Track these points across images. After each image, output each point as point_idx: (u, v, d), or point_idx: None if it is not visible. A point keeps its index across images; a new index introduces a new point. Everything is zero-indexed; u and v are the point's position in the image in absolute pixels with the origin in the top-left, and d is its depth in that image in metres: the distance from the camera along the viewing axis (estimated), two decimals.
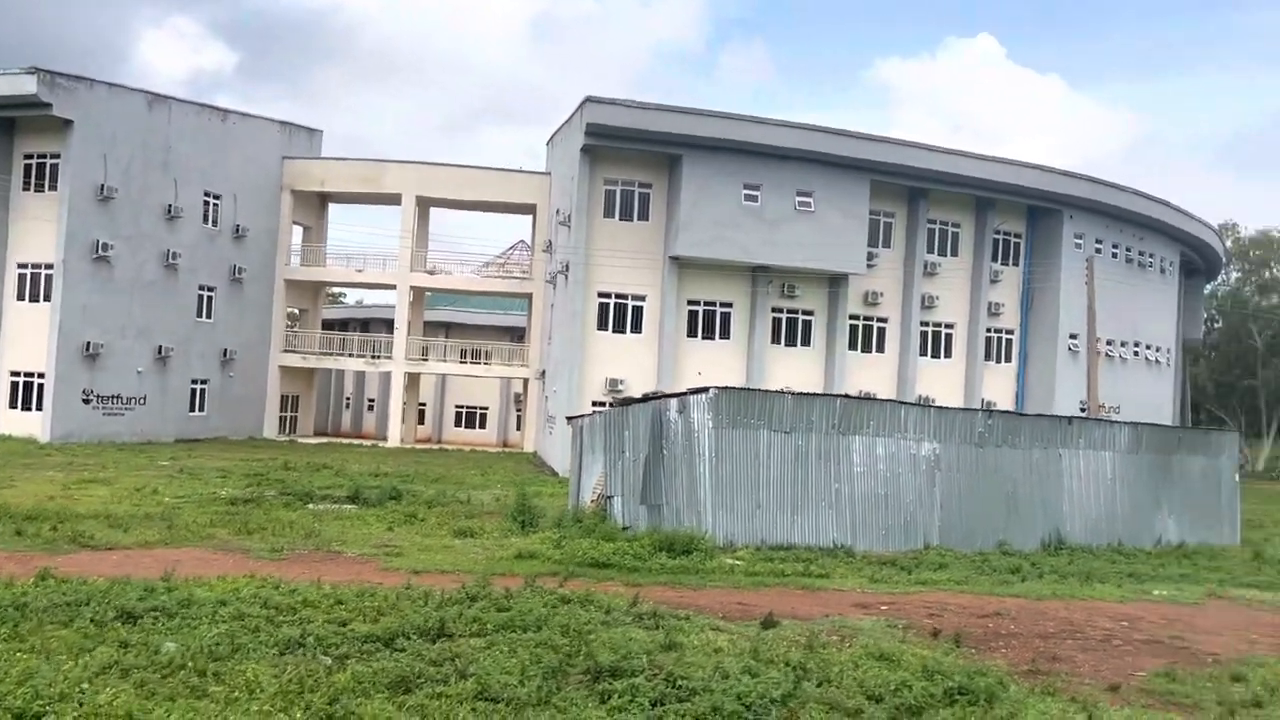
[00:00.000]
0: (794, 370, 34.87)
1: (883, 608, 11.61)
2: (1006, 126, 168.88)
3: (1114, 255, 41.09)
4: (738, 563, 14.84)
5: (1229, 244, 61.07)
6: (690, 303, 34.52)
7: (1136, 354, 42.82)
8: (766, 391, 17.58)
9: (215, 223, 38.80)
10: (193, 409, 38.28)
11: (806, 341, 36.07)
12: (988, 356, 38.71)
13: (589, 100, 32.07)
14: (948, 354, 38.22)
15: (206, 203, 38.30)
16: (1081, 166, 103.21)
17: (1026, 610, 11.67)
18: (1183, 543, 20.82)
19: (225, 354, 39.33)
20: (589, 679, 7.06)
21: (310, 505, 19.73)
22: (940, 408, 20.14)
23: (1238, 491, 22.91)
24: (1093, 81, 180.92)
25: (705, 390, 16.76)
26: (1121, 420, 24.57)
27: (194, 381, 38.34)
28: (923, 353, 37.52)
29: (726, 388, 16.87)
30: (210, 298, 38.80)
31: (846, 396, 18.66)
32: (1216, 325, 66.05)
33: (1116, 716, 7.17)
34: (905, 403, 19.46)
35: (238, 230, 39.52)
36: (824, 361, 36.02)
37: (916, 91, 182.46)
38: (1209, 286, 59.93)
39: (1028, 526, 19.16)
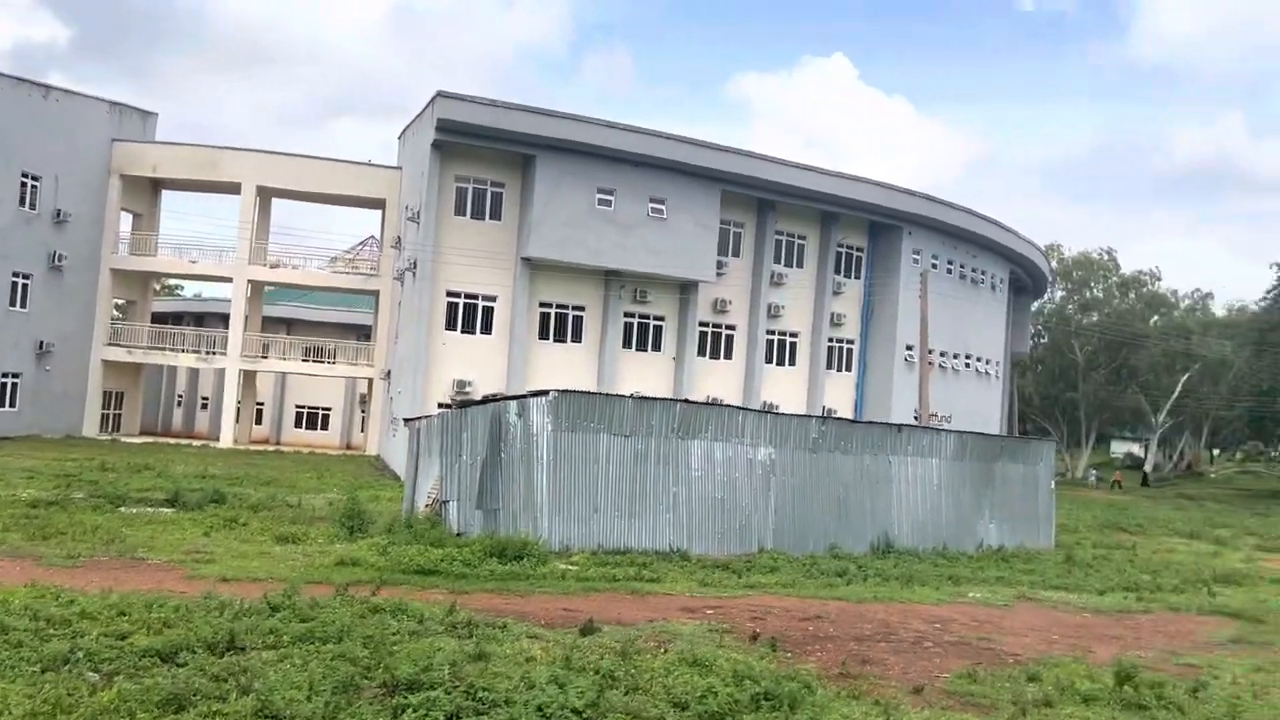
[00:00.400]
0: (645, 375, 35.01)
1: (708, 612, 11.61)
2: (857, 144, 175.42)
3: (949, 271, 42.99)
4: (571, 568, 14.64)
5: (1054, 264, 64.94)
6: (542, 305, 34.18)
7: (968, 366, 44.90)
8: (607, 395, 17.47)
9: (33, 205, 36.09)
10: (1, 404, 35.47)
11: (658, 347, 36.28)
12: (829, 365, 39.85)
13: (440, 95, 31.36)
14: (792, 362, 39.14)
15: (24, 184, 35.58)
16: (926, 186, 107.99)
17: (847, 613, 11.89)
18: (1002, 546, 21.78)
19: (41, 346, 36.62)
20: (385, 693, 6.71)
21: (122, 509, 18.45)
22: (776, 413, 20.51)
23: (1054, 497, 24.16)
24: (937, 105, 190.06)
25: (544, 393, 16.52)
26: (948, 429, 25.60)
27: (4, 375, 35.54)
28: (768, 360, 38.31)
29: (566, 391, 16.67)
30: (25, 285, 36.07)
31: (686, 401, 18.75)
32: (1042, 341, 70.09)
33: (916, 718, 7.29)
34: (743, 408, 19.73)
35: (59, 215, 36.87)
36: (674, 367, 36.30)
37: (773, 106, 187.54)
38: (1036, 304, 63.47)
39: (858, 530, 19.67)
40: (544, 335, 34.18)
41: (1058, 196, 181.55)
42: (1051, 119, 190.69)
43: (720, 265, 36.33)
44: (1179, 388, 64.39)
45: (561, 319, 34.52)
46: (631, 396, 18.15)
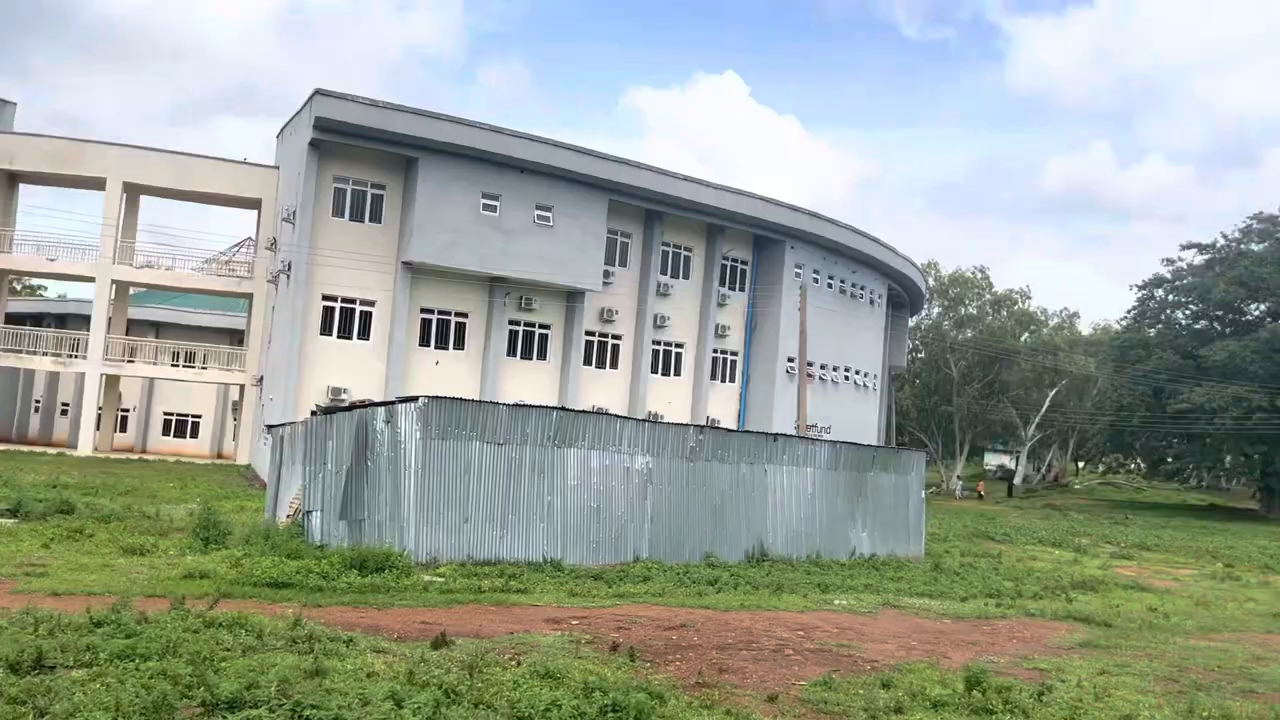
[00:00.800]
0: (530, 383, 34.64)
1: (574, 622, 11.37)
2: (748, 160, 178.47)
3: (830, 286, 43.92)
4: (437, 579, 14.20)
5: (931, 281, 67.11)
6: (424, 311, 33.49)
7: (847, 378, 45.91)
8: (479, 402, 17.07)
9: None
10: None
11: (543, 355, 35.96)
12: (714, 376, 40.19)
13: (319, 93, 30.45)
14: (677, 372, 39.32)
15: None
16: (814, 204, 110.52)
17: (713, 621, 11.81)
18: (874, 554, 22.16)
19: None
20: (203, 713, 6.25)
21: None
22: (654, 422, 20.45)
23: (924, 506, 24.72)
24: (826, 126, 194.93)
25: (414, 399, 16.04)
26: (823, 439, 26.00)
27: None
28: (654, 370, 38.39)
29: (436, 397, 16.22)
30: None
31: (563, 409, 18.47)
32: (920, 355, 72.29)
33: None
34: (621, 416, 19.58)
35: None
36: (559, 376, 36.04)
37: (666, 120, 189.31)
38: (913, 319, 65.45)
39: (734, 539, 19.73)
40: (425, 342, 33.49)
41: (937, 217, 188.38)
42: (932, 142, 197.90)
43: (607, 275, 36.26)
44: (1047, 402, 67.15)
45: (444, 325, 33.88)
46: (506, 404, 17.80)
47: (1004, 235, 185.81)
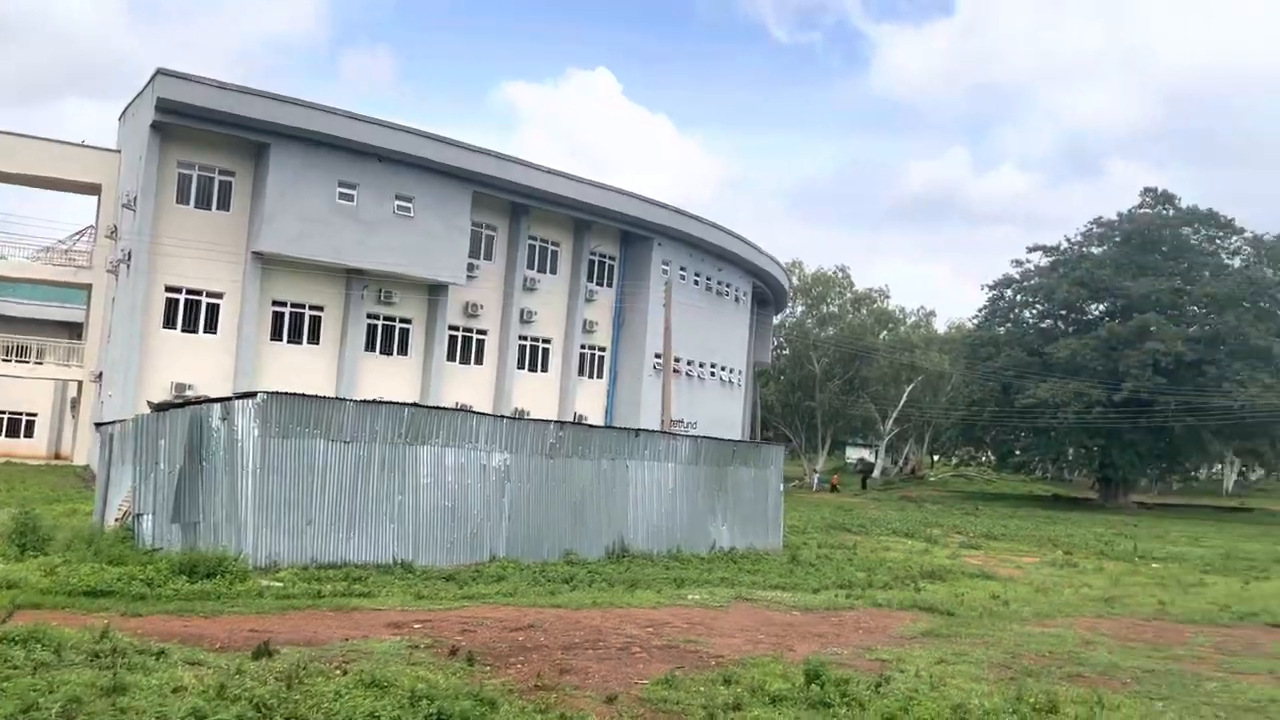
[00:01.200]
0: (390, 379, 33.67)
1: (416, 626, 10.93)
2: (620, 158, 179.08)
3: (696, 283, 44.29)
4: (275, 584, 13.48)
5: (795, 280, 68.57)
6: (276, 303, 32.11)
7: (713, 374, 46.41)
8: (325, 398, 16.33)
9: None
10: None
11: (404, 350, 35.02)
12: (581, 372, 39.97)
13: (161, 73, 28.79)
14: (544, 368, 38.93)
15: None
16: (684, 203, 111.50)
17: (562, 621, 11.55)
18: (733, 548, 22.31)
19: None
20: None
21: None
22: (512, 418, 20.10)
23: (782, 500, 25.06)
24: (697, 126, 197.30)
25: (252, 395, 15.23)
26: (684, 434, 26.09)
27: None
28: (520, 366, 37.91)
29: (276, 393, 15.43)
30: None
31: (416, 405, 17.90)
32: (784, 352, 73.81)
33: None
34: (477, 412, 19.12)
35: None
36: (421, 372, 35.17)
37: (539, 116, 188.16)
38: (778, 317, 66.76)
39: (594, 535, 19.53)
40: (277, 336, 32.13)
41: (803, 217, 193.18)
42: (800, 145, 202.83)
43: (472, 268, 35.57)
44: (904, 398, 69.52)
45: (298, 319, 32.58)
46: (354, 400, 17.13)
47: (866, 237, 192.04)
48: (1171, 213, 63.13)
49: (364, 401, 17.01)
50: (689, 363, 43.57)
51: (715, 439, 24.37)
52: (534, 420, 21.27)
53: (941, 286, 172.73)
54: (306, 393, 16.33)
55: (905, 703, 7.73)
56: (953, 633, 12.05)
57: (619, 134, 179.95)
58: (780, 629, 11.75)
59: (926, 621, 12.85)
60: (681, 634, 11.03)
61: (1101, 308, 62.98)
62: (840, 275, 72.86)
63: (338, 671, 7.93)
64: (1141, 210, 64.09)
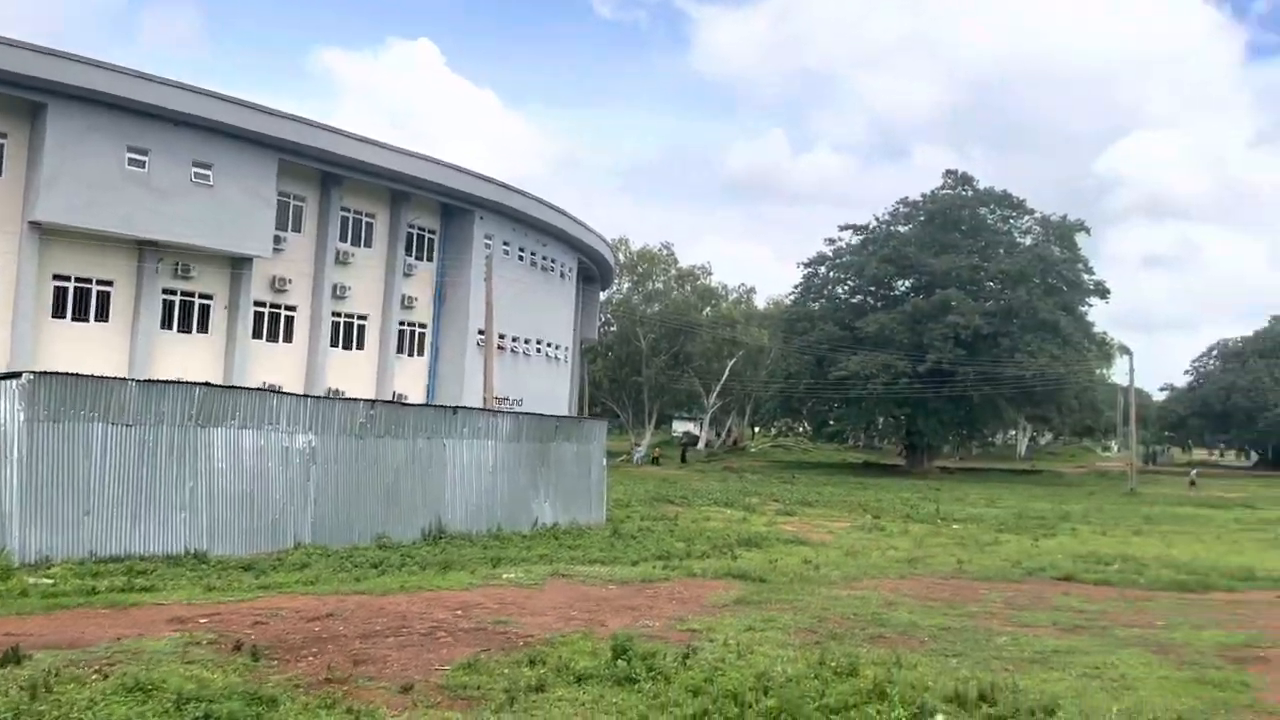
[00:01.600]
0: (190, 359, 31.54)
1: (202, 621, 10.09)
2: (443, 131, 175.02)
3: (520, 258, 43.64)
4: (45, 582, 12.24)
5: (621, 257, 68.85)
6: (57, 278, 29.43)
7: (539, 350, 45.96)
8: (102, 378, 14.98)
9: None
10: None
11: (205, 328, 32.89)
12: (400, 349, 38.73)
13: None
14: (360, 346, 37.48)
15: None
16: (510, 178, 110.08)
17: (366, 608, 10.96)
18: (556, 524, 22.10)
19: None
20: None
21: None
22: (318, 398, 19.15)
23: (605, 474, 25.00)
24: (523, 101, 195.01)
25: (15, 376, 13.78)
26: (504, 410, 25.64)
27: None
28: (334, 344, 36.33)
29: (45, 373, 14.03)
30: None
31: (208, 385, 16.72)
32: (611, 328, 74.14)
33: None
34: (279, 392, 18.07)
35: None
36: (225, 351, 33.13)
37: (358, 86, 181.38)
38: (604, 293, 66.89)
39: (409, 517, 18.87)
40: (60, 313, 29.49)
41: (629, 195, 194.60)
42: (627, 123, 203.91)
43: (278, 240, 33.72)
44: (726, 372, 71.14)
45: (83, 295, 30.00)
46: (136, 380, 15.82)
47: (691, 215, 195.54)
48: (970, 193, 66.98)
49: (148, 381, 15.74)
50: (514, 339, 42.96)
51: (537, 415, 24.02)
52: (342, 399, 20.34)
53: (762, 264, 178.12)
54: (81, 373, 14.93)
55: (711, 673, 7.65)
56: (764, 599, 12.19)
57: (442, 107, 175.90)
58: (594, 604, 11.56)
59: (739, 589, 12.96)
60: (492, 615, 10.66)
61: (908, 284, 66.19)
62: (665, 252, 73.73)
63: (97, 676, 7.14)
64: (943, 191, 67.71)
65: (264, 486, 16.43)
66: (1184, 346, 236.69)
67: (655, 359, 69.41)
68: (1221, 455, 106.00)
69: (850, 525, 27.07)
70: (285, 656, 8.49)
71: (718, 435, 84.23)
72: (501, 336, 40.74)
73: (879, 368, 58.56)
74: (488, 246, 40.22)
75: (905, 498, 39.11)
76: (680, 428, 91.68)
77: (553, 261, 46.99)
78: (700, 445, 76.77)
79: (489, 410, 23.83)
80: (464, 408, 22.25)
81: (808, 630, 10.09)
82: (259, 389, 17.77)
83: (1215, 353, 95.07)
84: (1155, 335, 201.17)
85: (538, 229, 44.50)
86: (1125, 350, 77.31)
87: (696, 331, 69.62)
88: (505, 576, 13.60)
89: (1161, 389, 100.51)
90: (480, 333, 40.03)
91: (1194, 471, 65.72)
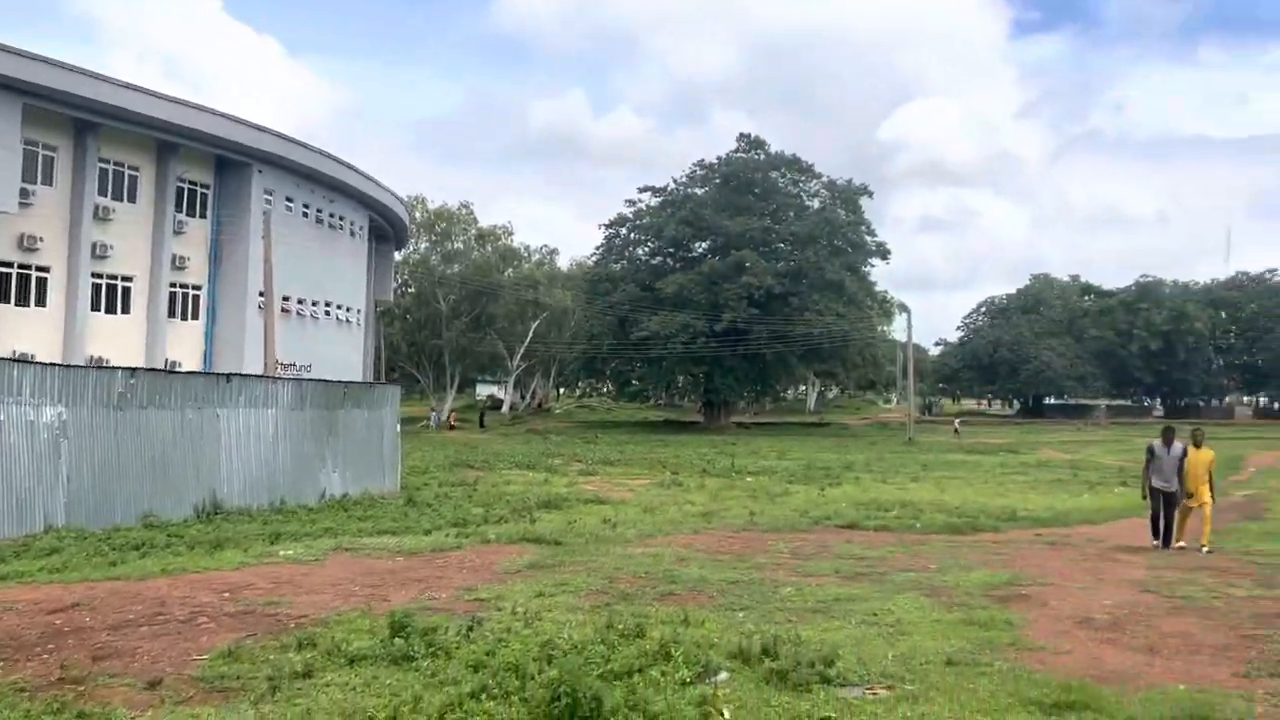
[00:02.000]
0: None
1: None
2: (221, 80, 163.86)
3: (305, 215, 41.39)
4: None
5: (418, 215, 66.73)
6: None
7: (328, 313, 43.90)
8: None
9: None
10: None
11: None
12: (173, 313, 36.00)
13: None
14: (126, 310, 34.54)
15: None
16: (297, 132, 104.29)
17: (119, 595, 9.95)
18: (346, 494, 21.15)
19: None
20: None
21: None
22: (67, 367, 17.37)
23: (399, 441, 24.11)
24: (309, 51, 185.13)
25: None
26: (286, 377, 24.27)
27: None
28: (95, 308, 33.29)
29: None
30: None
31: None
32: (409, 290, 71.96)
33: None
34: (19, 360, 16.24)
35: None
36: None
37: (125, 31, 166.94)
38: (400, 253, 64.72)
39: (180, 493, 17.49)
40: None
41: (428, 154, 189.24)
42: (424, 79, 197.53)
43: (26, 194, 30.45)
44: (530, 334, 70.64)
45: None
46: None
47: (492, 175, 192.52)
48: (762, 157, 69.00)
49: None
50: (300, 301, 40.78)
51: (323, 381, 22.83)
52: (97, 368, 18.57)
53: (565, 225, 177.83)
54: None
55: (495, 646, 7.32)
56: (558, 562, 11.96)
57: (220, 55, 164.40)
58: (379, 578, 10.98)
59: (533, 553, 12.69)
60: (263, 596, 9.91)
61: (705, 245, 67.71)
62: (464, 212, 72.06)
63: None
64: (737, 154, 69.42)
65: (5, 465, 14.73)
66: (957, 304, 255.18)
67: (456, 321, 67.99)
68: (989, 405, 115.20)
69: (650, 482, 27.38)
70: (15, 657, 7.53)
71: (523, 398, 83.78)
72: (286, 299, 38.61)
73: (678, 327, 59.69)
74: (268, 202, 37.84)
75: (703, 453, 40.09)
76: (484, 391, 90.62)
77: (341, 219, 44.83)
78: (505, 408, 76.09)
79: (269, 377, 22.41)
80: (239, 375, 20.79)
81: (599, 592, 9.93)
82: (2, 358, 15.88)
83: (984, 310, 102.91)
84: (931, 294, 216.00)
85: (324, 184, 42.27)
86: (904, 308, 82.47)
87: (498, 293, 68.63)
88: (282, 553, 12.75)
89: (937, 344, 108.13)
90: (262, 294, 37.79)
91: (958, 421, 71.19)
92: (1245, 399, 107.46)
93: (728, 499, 22.52)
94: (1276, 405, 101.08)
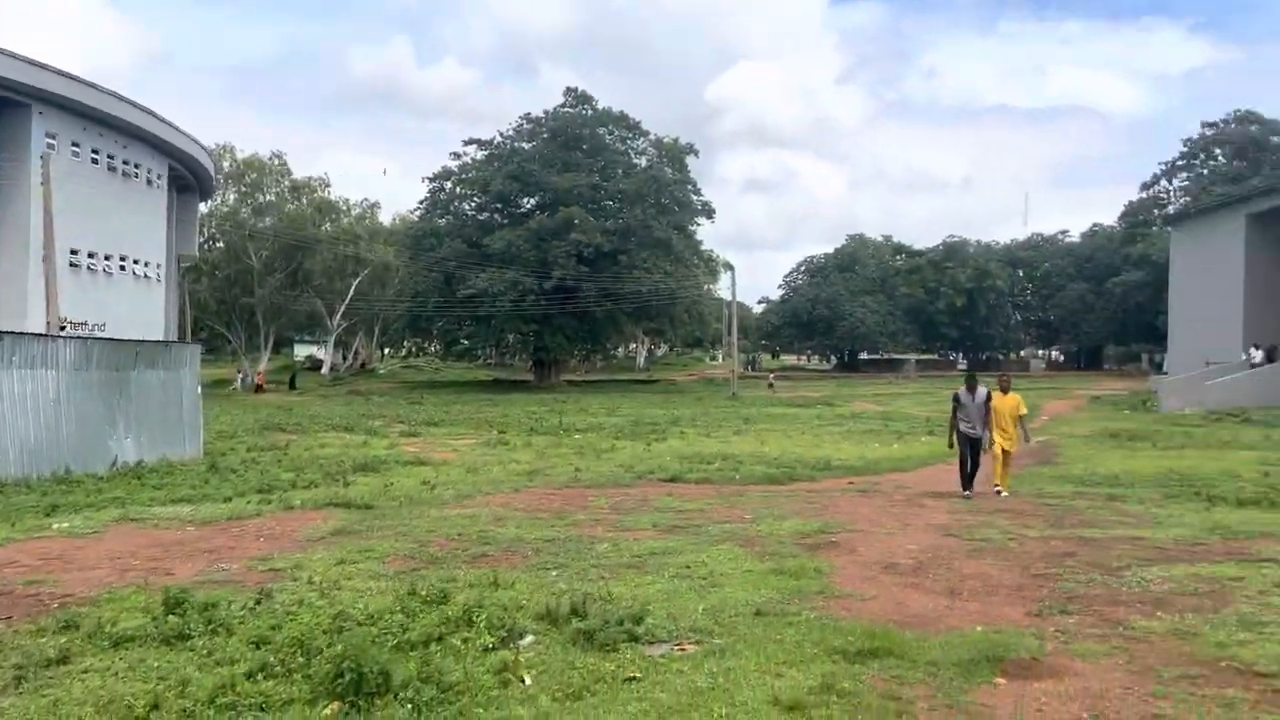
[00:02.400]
0: None
1: None
2: (3, 13, 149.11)
3: (96, 161, 38.11)
4: None
5: (226, 165, 62.79)
6: None
7: (124, 268, 40.75)
8: None
9: None
10: None
11: None
12: None
13: None
14: None
15: None
16: (92, 74, 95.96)
17: None
18: (141, 461, 19.65)
19: None
20: None
21: None
22: None
23: (200, 404, 22.60)
24: None
25: None
26: (69, 335, 22.30)
27: None
28: None
29: None
30: None
31: None
32: (218, 244, 67.86)
33: None
34: None
35: None
36: None
37: None
38: (205, 205, 60.84)
39: None
40: None
41: (237, 100, 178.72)
42: (233, 20, 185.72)
43: None
44: (351, 291, 68.05)
45: None
46: None
47: (307, 125, 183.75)
48: (590, 113, 68.38)
49: None
50: (91, 255, 37.60)
51: (111, 339, 21.05)
52: None
53: (388, 179, 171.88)
54: None
55: (282, 620, 6.76)
56: (366, 528, 11.37)
57: None
58: (163, 550, 10.12)
59: (340, 519, 12.03)
60: (26, 575, 8.92)
61: (533, 201, 66.72)
62: (277, 162, 68.38)
63: None
64: (565, 109, 68.53)
65: None
66: (780, 263, 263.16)
67: (270, 278, 64.67)
68: (809, 360, 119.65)
69: (476, 442, 26.78)
70: None
71: (344, 358, 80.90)
72: (75, 252, 35.56)
73: (507, 285, 58.77)
74: (50, 147, 34.54)
75: (532, 411, 39.71)
76: (303, 352, 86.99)
77: (136, 167, 41.51)
78: (325, 369, 73.24)
79: (48, 335, 20.47)
80: (12, 333, 18.85)
81: (407, 557, 9.45)
82: None
83: (803, 269, 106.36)
84: (755, 253, 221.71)
85: (117, 129, 38.97)
86: (729, 267, 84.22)
87: (315, 248, 65.65)
88: (56, 526, 11.60)
89: (760, 302, 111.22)
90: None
91: (771, 376, 73.60)
92: (1040, 352, 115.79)
93: (554, 456, 22.25)
94: (1064, 358, 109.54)
